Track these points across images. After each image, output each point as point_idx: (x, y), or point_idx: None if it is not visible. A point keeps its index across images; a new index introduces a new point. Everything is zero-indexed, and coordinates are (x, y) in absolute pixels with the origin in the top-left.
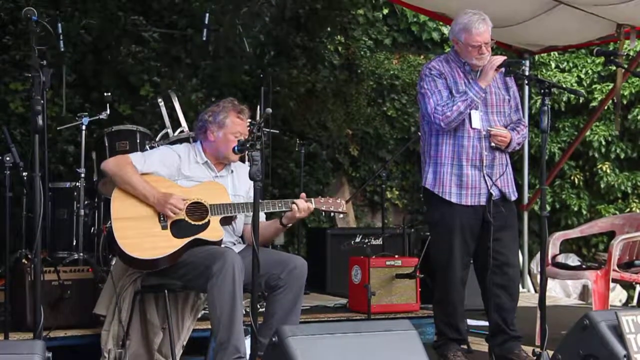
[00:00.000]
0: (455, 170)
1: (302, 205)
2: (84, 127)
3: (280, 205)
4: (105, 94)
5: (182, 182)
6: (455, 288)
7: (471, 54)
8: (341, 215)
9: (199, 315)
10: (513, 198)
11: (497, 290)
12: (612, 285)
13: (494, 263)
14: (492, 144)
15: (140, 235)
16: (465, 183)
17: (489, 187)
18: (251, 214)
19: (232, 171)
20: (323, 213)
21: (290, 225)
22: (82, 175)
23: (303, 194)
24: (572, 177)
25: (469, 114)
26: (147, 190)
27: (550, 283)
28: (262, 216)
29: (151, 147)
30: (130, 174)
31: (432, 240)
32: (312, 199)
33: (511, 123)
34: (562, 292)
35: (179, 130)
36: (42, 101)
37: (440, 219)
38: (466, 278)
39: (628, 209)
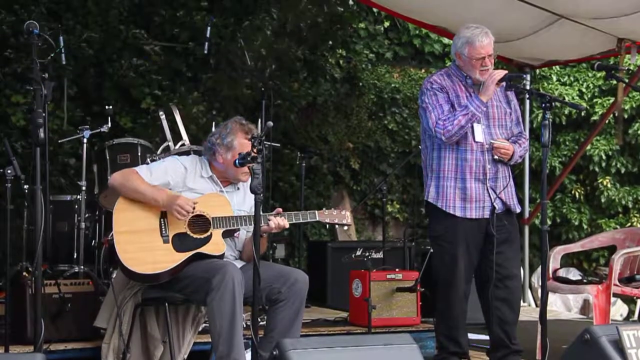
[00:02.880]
0: (459, 183)
1: (275, 223)
2: (85, 140)
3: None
4: (106, 107)
5: (186, 194)
6: (458, 302)
7: (474, 67)
8: (345, 228)
9: (200, 329)
10: (517, 210)
11: (499, 304)
12: (613, 299)
13: (496, 276)
14: (495, 157)
15: (142, 249)
16: (470, 196)
17: (493, 200)
18: (252, 228)
19: (238, 188)
20: (327, 225)
21: (266, 235)
22: (83, 188)
23: (279, 209)
24: (572, 191)
25: (472, 127)
26: (156, 194)
27: (551, 297)
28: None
29: (152, 161)
30: (137, 182)
31: (435, 253)
32: (316, 212)
33: (512, 136)
34: (563, 306)
35: (180, 144)
36: (43, 114)
37: (444, 232)
38: (469, 292)
39: (629, 224)
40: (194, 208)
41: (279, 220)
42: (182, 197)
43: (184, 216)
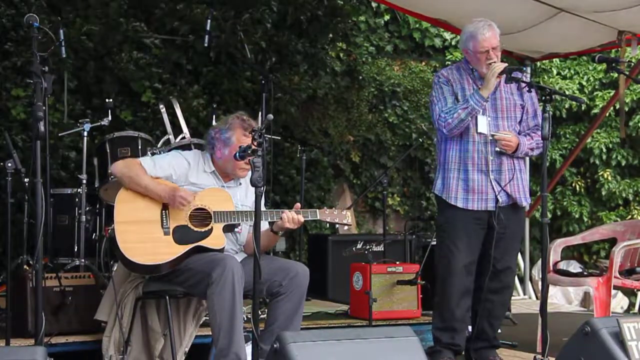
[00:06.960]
0: (462, 175)
1: (288, 216)
2: (85, 134)
3: (272, 215)
4: (106, 100)
5: (188, 188)
6: (454, 294)
7: (480, 60)
8: (345, 228)
9: (201, 322)
10: (524, 204)
11: (491, 296)
12: (613, 292)
13: (492, 270)
14: (497, 149)
15: (142, 240)
16: (472, 188)
17: (497, 193)
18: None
19: (240, 183)
20: (328, 224)
21: (282, 233)
22: (84, 181)
23: (297, 204)
24: (573, 184)
25: (475, 118)
26: (158, 189)
27: (552, 290)
28: (265, 225)
29: (152, 154)
30: (140, 175)
31: (437, 244)
32: (317, 210)
33: (528, 129)
34: (563, 298)
35: (180, 137)
36: (43, 107)
37: (445, 223)
38: (472, 286)
39: (629, 216)
40: (194, 198)
41: (293, 215)
42: (183, 188)
43: (185, 206)
